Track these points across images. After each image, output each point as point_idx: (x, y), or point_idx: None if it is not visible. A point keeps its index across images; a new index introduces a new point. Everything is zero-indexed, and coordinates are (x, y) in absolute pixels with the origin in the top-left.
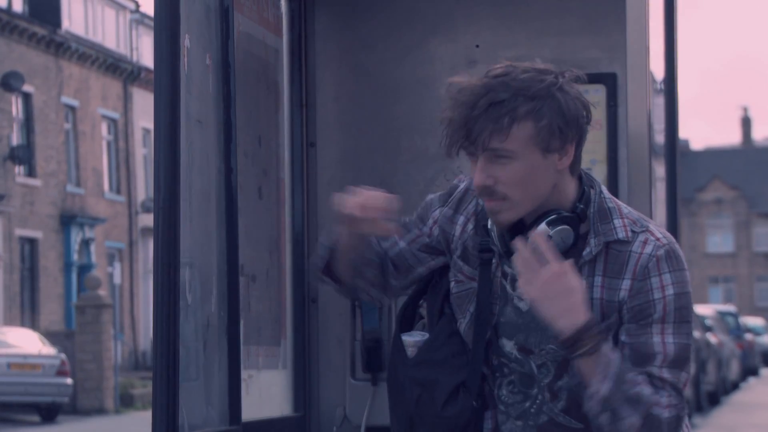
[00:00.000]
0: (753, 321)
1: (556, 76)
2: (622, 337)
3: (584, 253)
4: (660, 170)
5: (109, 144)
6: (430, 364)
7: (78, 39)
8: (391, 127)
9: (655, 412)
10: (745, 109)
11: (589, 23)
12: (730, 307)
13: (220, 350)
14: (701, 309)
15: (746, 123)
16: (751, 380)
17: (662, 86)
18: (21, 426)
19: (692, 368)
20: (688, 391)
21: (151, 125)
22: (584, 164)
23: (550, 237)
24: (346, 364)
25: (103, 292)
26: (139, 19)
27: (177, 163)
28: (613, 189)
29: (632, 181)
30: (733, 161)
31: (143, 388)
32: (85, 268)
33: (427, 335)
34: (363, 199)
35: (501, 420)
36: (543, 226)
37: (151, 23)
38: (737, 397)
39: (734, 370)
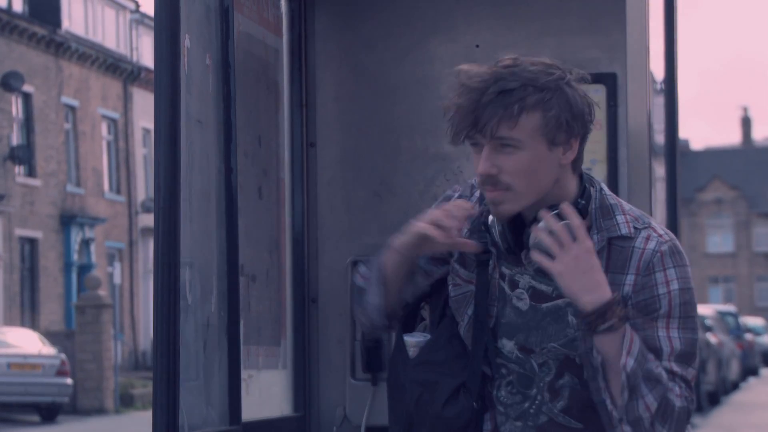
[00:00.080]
0: (753, 321)
1: (563, 71)
2: None
3: None
4: (660, 170)
5: (109, 144)
6: (430, 364)
7: (78, 39)
8: (391, 127)
9: (670, 396)
10: (745, 109)
11: (589, 23)
12: (730, 307)
13: (220, 350)
14: (701, 309)
15: (746, 123)
16: (751, 380)
17: (662, 86)
18: (21, 426)
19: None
20: (694, 402)
21: (151, 125)
22: (584, 164)
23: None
24: (346, 364)
25: (103, 292)
26: (139, 19)
27: (177, 163)
28: (613, 189)
29: (632, 181)
30: (733, 161)
31: (143, 388)
32: (85, 268)
33: (428, 336)
34: (438, 216)
35: (500, 421)
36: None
37: (151, 23)
38: (737, 397)
39: (734, 370)
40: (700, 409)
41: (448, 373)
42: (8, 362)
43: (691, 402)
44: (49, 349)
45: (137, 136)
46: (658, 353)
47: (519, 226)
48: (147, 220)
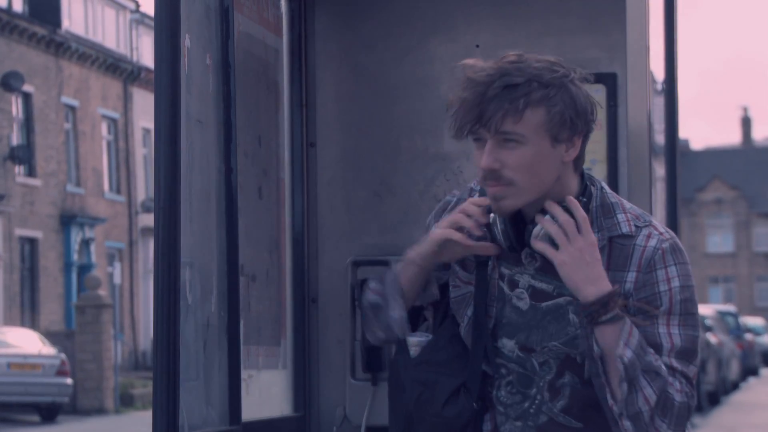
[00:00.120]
0: (753, 321)
1: (567, 69)
2: None
3: None
4: (660, 170)
5: (109, 144)
6: (431, 364)
7: (78, 39)
8: (391, 127)
9: (670, 391)
10: (745, 109)
11: (589, 23)
12: (730, 307)
13: (220, 350)
14: (701, 309)
15: (746, 123)
16: (751, 380)
17: (662, 86)
18: (21, 426)
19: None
20: (695, 399)
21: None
22: (585, 164)
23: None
24: (346, 364)
25: (103, 292)
26: (139, 19)
27: (177, 163)
28: (613, 189)
29: (632, 181)
30: (733, 161)
31: (143, 388)
32: (85, 268)
33: (430, 336)
34: (456, 218)
35: (500, 421)
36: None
37: (151, 23)
38: (737, 397)
39: (734, 370)
40: (700, 409)
41: (448, 373)
42: (8, 362)
43: (691, 398)
44: (49, 349)
45: (137, 136)
46: (658, 349)
47: (519, 224)
48: (147, 220)
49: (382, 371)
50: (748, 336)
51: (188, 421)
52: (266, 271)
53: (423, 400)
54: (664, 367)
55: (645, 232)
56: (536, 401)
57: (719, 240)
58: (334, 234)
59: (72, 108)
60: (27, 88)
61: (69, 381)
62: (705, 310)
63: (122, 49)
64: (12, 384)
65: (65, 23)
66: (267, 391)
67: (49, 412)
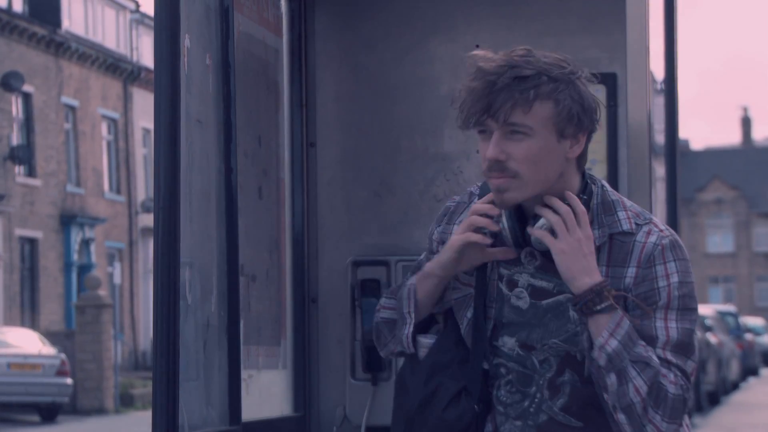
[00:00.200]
0: (753, 321)
1: (575, 67)
2: None
3: None
4: (660, 170)
5: (109, 144)
6: (435, 367)
7: (78, 39)
8: (391, 127)
9: (663, 382)
10: (745, 109)
11: (589, 23)
12: (730, 307)
13: (220, 350)
14: (701, 309)
15: (746, 123)
16: (751, 380)
17: (662, 86)
18: (21, 426)
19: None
20: (691, 393)
21: (151, 125)
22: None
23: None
24: (346, 364)
25: (103, 292)
26: (139, 19)
27: (177, 163)
28: (613, 189)
29: (632, 181)
30: (733, 161)
31: (143, 388)
32: (85, 268)
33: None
34: (471, 221)
35: (500, 421)
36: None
37: (151, 23)
38: (737, 397)
39: (734, 370)
40: (700, 409)
41: (451, 376)
42: (8, 362)
43: (686, 391)
44: (49, 349)
45: (137, 136)
46: (652, 341)
47: (520, 220)
48: (147, 220)
49: (382, 371)
50: (748, 336)
51: (188, 421)
52: (266, 271)
53: (425, 404)
54: (655, 358)
55: (645, 229)
56: (536, 400)
57: (719, 240)
58: (334, 234)
59: (72, 108)
60: (27, 88)
61: (69, 381)
62: (705, 310)
63: (122, 49)
64: (12, 384)
65: (65, 23)
66: (267, 391)
67: (49, 412)
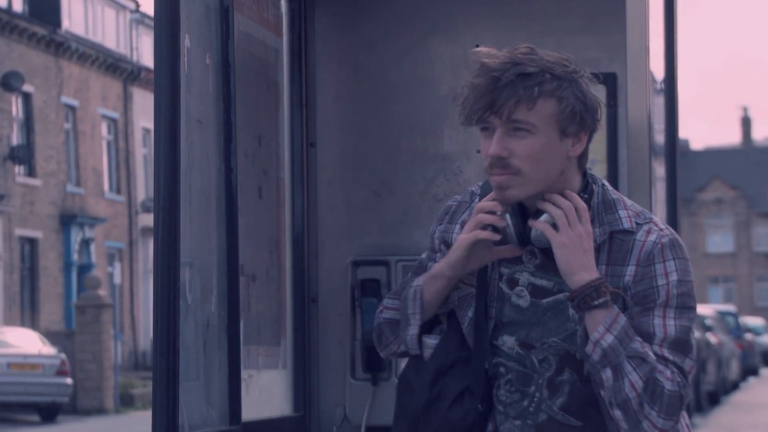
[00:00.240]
0: (753, 321)
1: (578, 66)
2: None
3: None
4: (660, 170)
5: (109, 144)
6: (439, 367)
7: (78, 39)
8: (391, 127)
9: (659, 378)
10: (745, 109)
11: (589, 23)
12: (730, 307)
13: (220, 350)
14: (701, 309)
15: (746, 123)
16: (751, 380)
17: (662, 86)
18: (21, 426)
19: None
20: (688, 391)
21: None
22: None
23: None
24: (346, 364)
25: (103, 292)
26: (139, 19)
27: (177, 163)
28: (613, 189)
29: (632, 181)
30: (733, 161)
31: (143, 388)
32: (85, 268)
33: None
34: (478, 219)
35: (500, 420)
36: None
37: (151, 23)
38: (737, 397)
39: (734, 370)
40: (700, 409)
41: (454, 376)
42: (8, 362)
43: (683, 388)
44: (49, 349)
45: (137, 136)
46: (650, 338)
47: (523, 218)
48: (147, 220)
49: (382, 371)
50: (748, 336)
51: (188, 421)
52: (266, 271)
53: (429, 403)
54: (651, 354)
55: (645, 228)
56: (535, 399)
57: (719, 240)
58: (334, 234)
59: (72, 108)
60: (27, 88)
61: (69, 381)
62: (705, 309)
63: (122, 49)
64: (12, 384)
65: (65, 23)
66: (267, 391)
67: (49, 412)
